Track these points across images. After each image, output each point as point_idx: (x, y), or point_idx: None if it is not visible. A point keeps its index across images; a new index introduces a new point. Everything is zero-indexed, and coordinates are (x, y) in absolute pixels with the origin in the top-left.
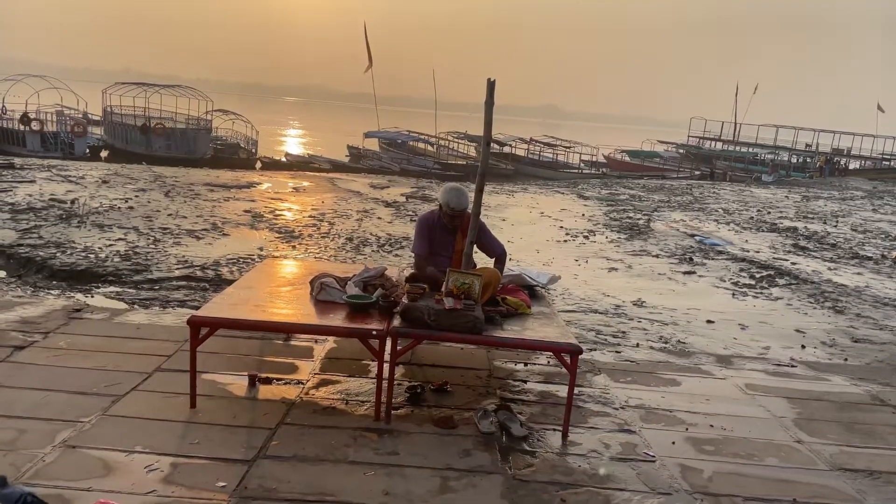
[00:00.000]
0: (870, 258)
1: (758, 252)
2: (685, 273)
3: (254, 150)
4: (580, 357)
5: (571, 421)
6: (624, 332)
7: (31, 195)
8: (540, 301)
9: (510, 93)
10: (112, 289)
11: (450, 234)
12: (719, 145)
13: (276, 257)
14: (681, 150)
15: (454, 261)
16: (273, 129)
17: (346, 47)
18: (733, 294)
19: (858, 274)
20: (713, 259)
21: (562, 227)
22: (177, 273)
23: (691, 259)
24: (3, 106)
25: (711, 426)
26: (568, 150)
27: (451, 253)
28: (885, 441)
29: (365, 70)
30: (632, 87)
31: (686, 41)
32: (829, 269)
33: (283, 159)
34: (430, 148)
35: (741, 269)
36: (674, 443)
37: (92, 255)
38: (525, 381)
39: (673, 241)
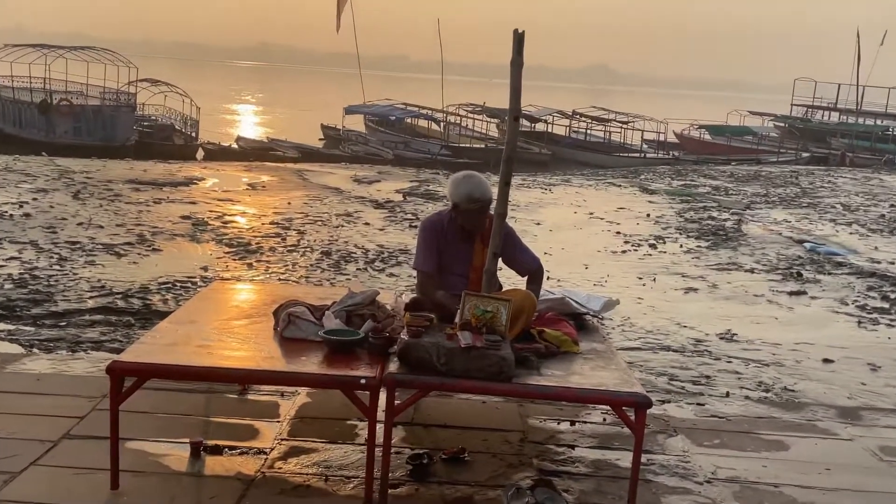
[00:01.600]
0: None
1: (892, 264)
2: (791, 294)
3: (193, 134)
4: (649, 412)
5: (638, 500)
6: (708, 377)
7: None
8: (591, 335)
9: (545, 50)
10: (2, 326)
11: (465, 244)
12: (836, 116)
13: (227, 280)
14: (782, 125)
15: (472, 280)
16: (220, 104)
17: None
18: (859, 322)
19: None
20: (830, 274)
21: (619, 232)
22: (91, 304)
23: (800, 274)
24: None
25: None
26: (625, 125)
27: (468, 270)
28: None
29: (337, 27)
30: (710, 39)
31: None
32: None
33: (234, 146)
34: (435, 126)
35: (869, 288)
36: None
37: None
38: (572, 447)
39: (773, 250)
